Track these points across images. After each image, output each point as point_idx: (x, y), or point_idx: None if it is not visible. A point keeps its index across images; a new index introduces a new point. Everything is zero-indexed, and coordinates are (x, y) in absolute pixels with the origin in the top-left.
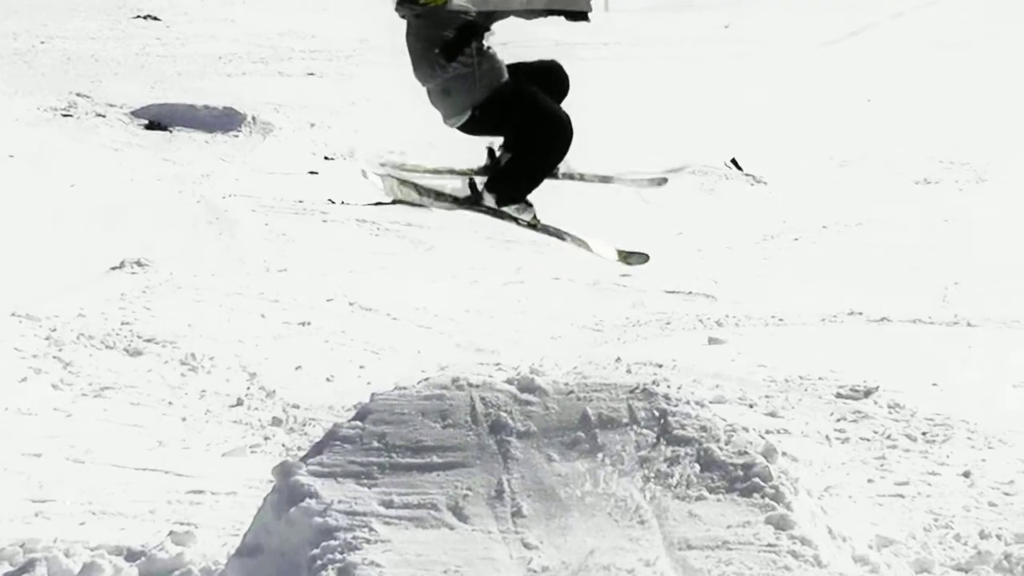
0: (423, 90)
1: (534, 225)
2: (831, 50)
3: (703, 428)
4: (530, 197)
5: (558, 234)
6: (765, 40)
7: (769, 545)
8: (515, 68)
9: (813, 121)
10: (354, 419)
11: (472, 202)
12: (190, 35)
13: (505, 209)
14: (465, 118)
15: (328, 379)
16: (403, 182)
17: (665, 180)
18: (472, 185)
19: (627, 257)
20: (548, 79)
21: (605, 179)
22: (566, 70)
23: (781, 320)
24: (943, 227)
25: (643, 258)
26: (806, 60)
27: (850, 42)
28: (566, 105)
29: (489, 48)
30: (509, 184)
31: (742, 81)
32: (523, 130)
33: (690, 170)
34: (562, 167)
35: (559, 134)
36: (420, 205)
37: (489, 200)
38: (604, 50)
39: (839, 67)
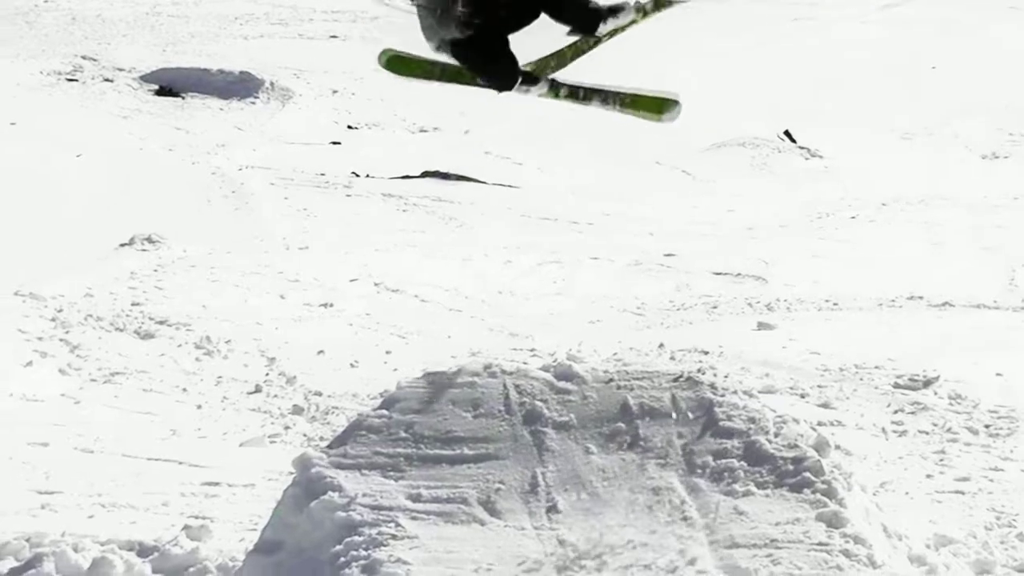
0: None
1: (555, 93)
2: (894, 13)
3: (751, 420)
4: (531, 69)
5: (587, 96)
6: (823, 2)
7: (820, 544)
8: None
9: (873, 90)
10: (380, 407)
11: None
12: None
13: (513, 92)
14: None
15: (352, 365)
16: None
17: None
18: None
19: (661, 108)
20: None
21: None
22: None
23: (836, 304)
24: (1012, 205)
25: (677, 107)
26: (866, 24)
27: (915, 5)
28: None
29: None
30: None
31: (797, 46)
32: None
33: (739, 142)
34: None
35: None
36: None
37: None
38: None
39: (902, 32)
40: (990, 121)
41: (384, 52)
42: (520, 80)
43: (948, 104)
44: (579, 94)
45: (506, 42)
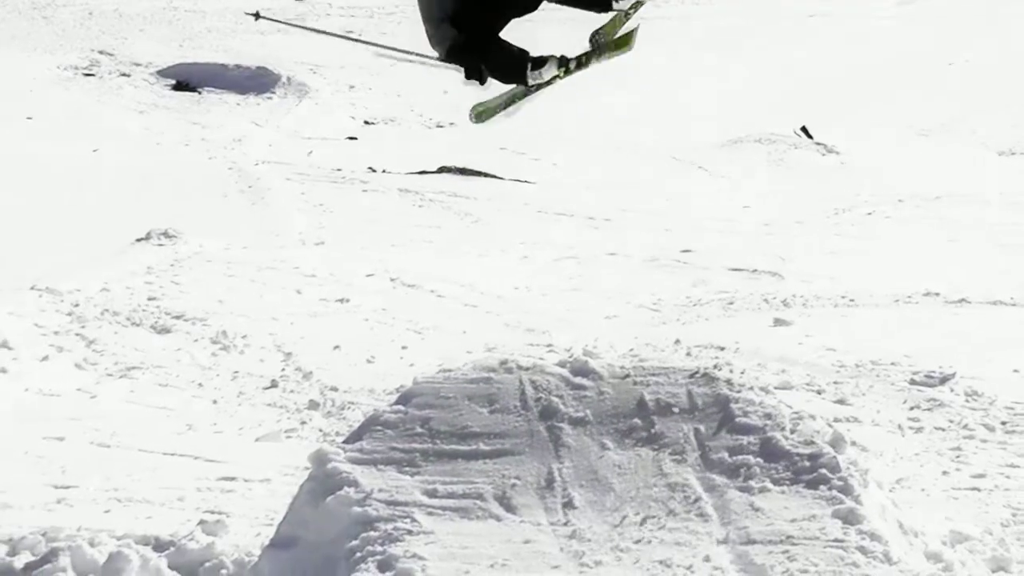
0: None
1: (566, 69)
2: (911, 9)
3: (767, 416)
4: (538, 54)
5: (587, 60)
6: None
7: (836, 540)
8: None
9: (890, 86)
10: (396, 403)
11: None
12: None
13: (531, 83)
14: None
15: (368, 360)
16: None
17: None
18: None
19: (630, 41)
20: None
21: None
22: None
23: (852, 301)
24: None
25: (637, 30)
26: (884, 20)
27: (932, 0)
28: None
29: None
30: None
31: (814, 42)
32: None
33: (756, 138)
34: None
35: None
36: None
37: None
38: (667, 8)
39: (919, 27)
40: (1007, 117)
41: (472, 109)
42: (531, 66)
43: (965, 100)
44: (583, 60)
45: (498, 40)
